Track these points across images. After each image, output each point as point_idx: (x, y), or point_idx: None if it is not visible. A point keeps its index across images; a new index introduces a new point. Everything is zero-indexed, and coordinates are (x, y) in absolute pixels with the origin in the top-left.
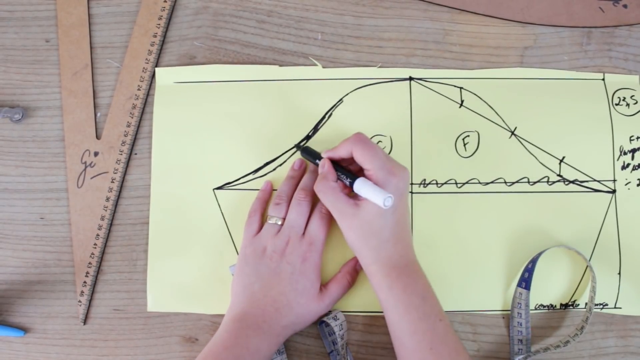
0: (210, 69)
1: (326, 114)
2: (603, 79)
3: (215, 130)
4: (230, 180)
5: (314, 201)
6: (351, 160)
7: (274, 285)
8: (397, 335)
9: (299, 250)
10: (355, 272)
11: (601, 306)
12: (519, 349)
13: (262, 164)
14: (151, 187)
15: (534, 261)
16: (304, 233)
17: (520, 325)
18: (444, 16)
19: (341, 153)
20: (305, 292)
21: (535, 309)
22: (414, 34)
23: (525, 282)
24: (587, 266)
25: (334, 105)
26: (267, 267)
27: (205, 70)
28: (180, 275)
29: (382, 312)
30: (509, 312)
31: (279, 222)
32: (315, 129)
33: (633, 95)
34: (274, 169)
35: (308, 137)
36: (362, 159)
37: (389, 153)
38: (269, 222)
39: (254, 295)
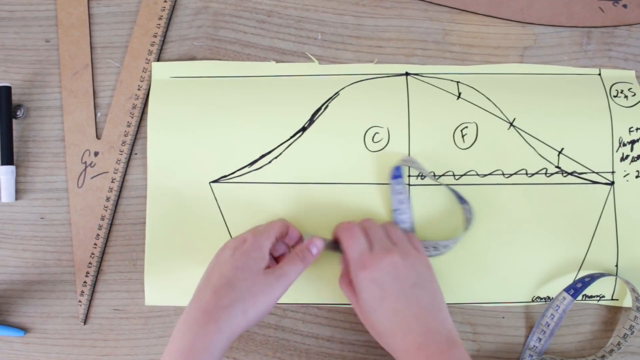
0: (207, 65)
1: (322, 105)
2: (599, 74)
3: (211, 123)
4: (227, 174)
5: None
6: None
7: (215, 272)
8: None
9: (241, 237)
10: (308, 251)
11: (598, 298)
12: (533, 345)
13: (258, 157)
14: (147, 181)
15: (593, 277)
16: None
17: (548, 326)
18: (444, 16)
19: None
20: (246, 267)
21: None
22: (414, 34)
23: (575, 290)
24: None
25: (331, 97)
26: (213, 262)
27: (203, 65)
28: (177, 269)
29: None
30: (510, 304)
31: None
32: (312, 120)
33: (631, 88)
34: (270, 162)
35: (304, 129)
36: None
37: (387, 145)
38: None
39: (199, 292)
